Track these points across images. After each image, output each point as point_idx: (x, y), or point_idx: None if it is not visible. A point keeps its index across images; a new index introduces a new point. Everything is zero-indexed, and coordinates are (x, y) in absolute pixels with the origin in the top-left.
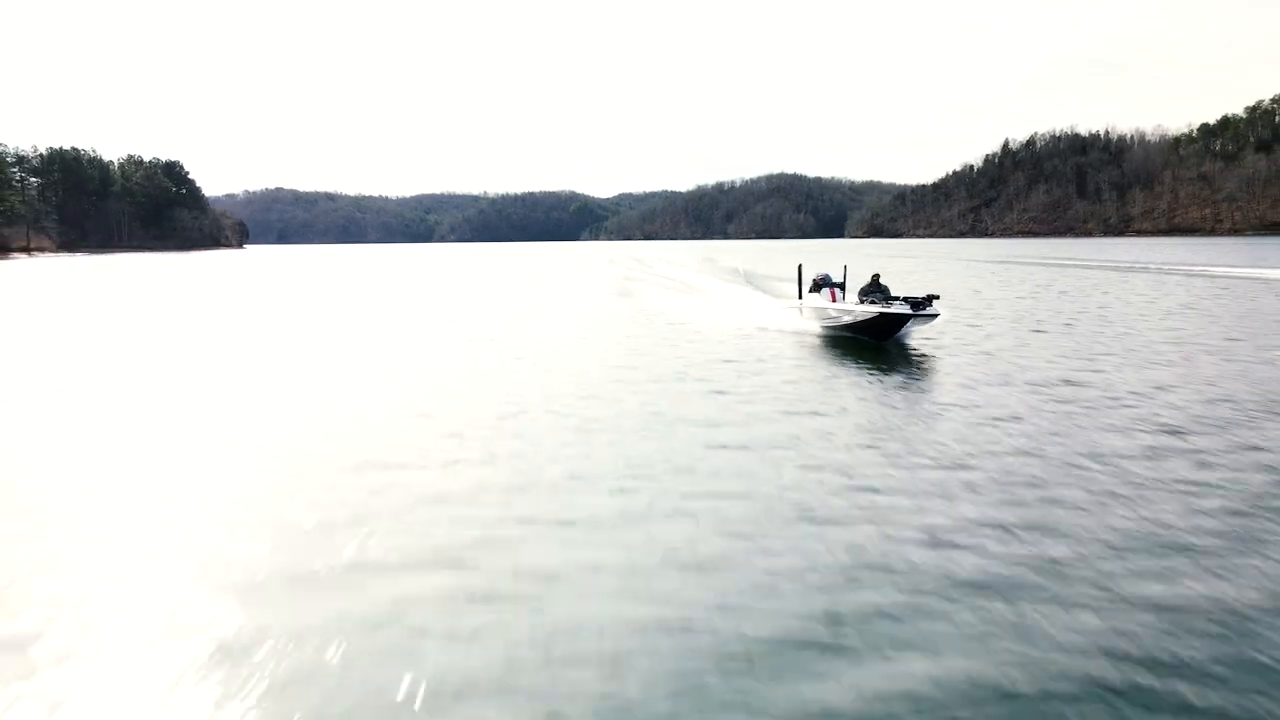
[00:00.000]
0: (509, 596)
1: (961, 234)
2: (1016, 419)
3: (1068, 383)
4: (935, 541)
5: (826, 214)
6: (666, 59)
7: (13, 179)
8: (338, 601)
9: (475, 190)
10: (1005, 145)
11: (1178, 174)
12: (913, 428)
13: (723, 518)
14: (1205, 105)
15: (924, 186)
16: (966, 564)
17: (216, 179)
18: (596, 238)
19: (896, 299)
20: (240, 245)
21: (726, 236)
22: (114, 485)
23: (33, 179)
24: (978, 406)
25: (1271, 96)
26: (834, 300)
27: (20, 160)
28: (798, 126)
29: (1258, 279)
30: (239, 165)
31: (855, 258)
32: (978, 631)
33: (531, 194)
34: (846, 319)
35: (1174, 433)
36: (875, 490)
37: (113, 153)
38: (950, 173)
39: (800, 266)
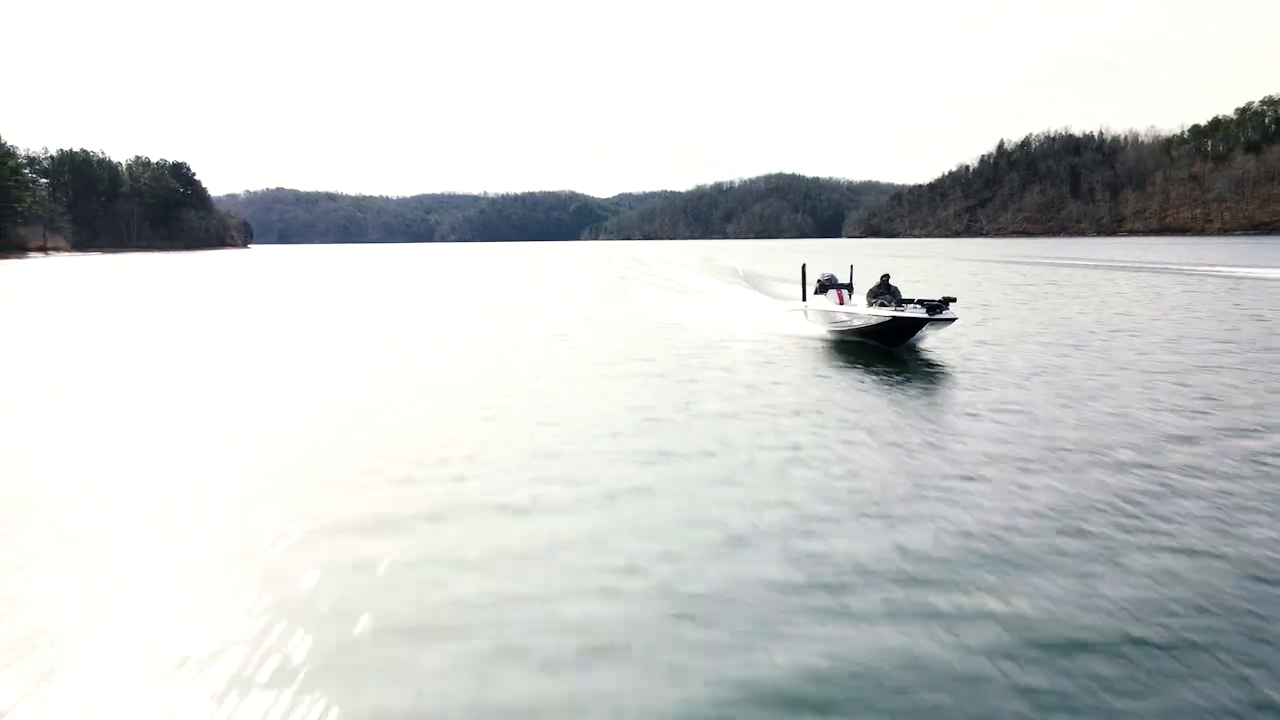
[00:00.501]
0: (509, 598)
1: (957, 234)
2: (1049, 433)
3: (1101, 390)
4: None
5: (824, 214)
6: (666, 59)
7: (28, 181)
8: (338, 601)
9: (475, 190)
10: (1000, 146)
11: (1169, 174)
12: (932, 444)
13: (717, 538)
14: (1205, 105)
15: (920, 187)
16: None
17: (218, 179)
18: (596, 237)
19: (910, 301)
20: (245, 245)
21: (725, 236)
22: (118, 480)
23: (43, 180)
24: (1003, 419)
25: (1261, 98)
26: (841, 303)
27: (31, 162)
28: (797, 127)
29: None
30: (240, 165)
31: (855, 258)
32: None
33: (531, 194)
34: (855, 323)
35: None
36: (891, 518)
37: (114, 153)
38: (946, 173)
39: (804, 267)
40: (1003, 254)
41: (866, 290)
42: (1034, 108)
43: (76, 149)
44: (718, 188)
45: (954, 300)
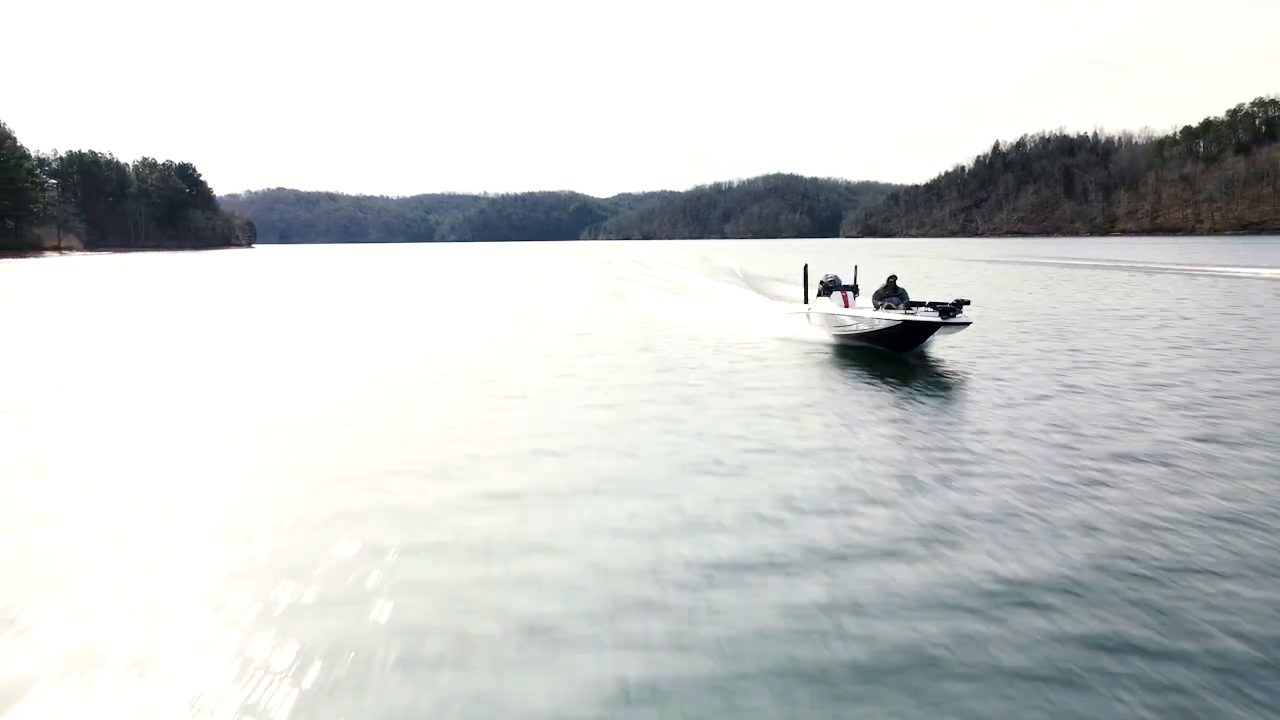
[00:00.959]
0: (510, 599)
1: (953, 234)
2: (1072, 445)
3: (1128, 396)
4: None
5: (822, 214)
6: (666, 60)
7: (42, 182)
8: (337, 600)
9: (475, 190)
10: (995, 147)
11: (1161, 175)
12: (944, 462)
13: (707, 560)
14: (1205, 105)
15: (917, 187)
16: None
17: (219, 179)
18: (596, 237)
19: (920, 304)
20: (249, 245)
21: (724, 236)
22: (116, 476)
23: (52, 181)
24: (1022, 436)
25: (1252, 100)
26: (846, 305)
27: (41, 163)
28: (797, 127)
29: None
30: (241, 166)
31: (853, 257)
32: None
33: (531, 194)
34: (862, 327)
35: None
36: (897, 550)
37: (117, 153)
38: (942, 174)
39: (806, 268)
40: (1002, 254)
41: (873, 292)
42: (1034, 108)
43: (85, 150)
44: (716, 188)
45: (967, 303)
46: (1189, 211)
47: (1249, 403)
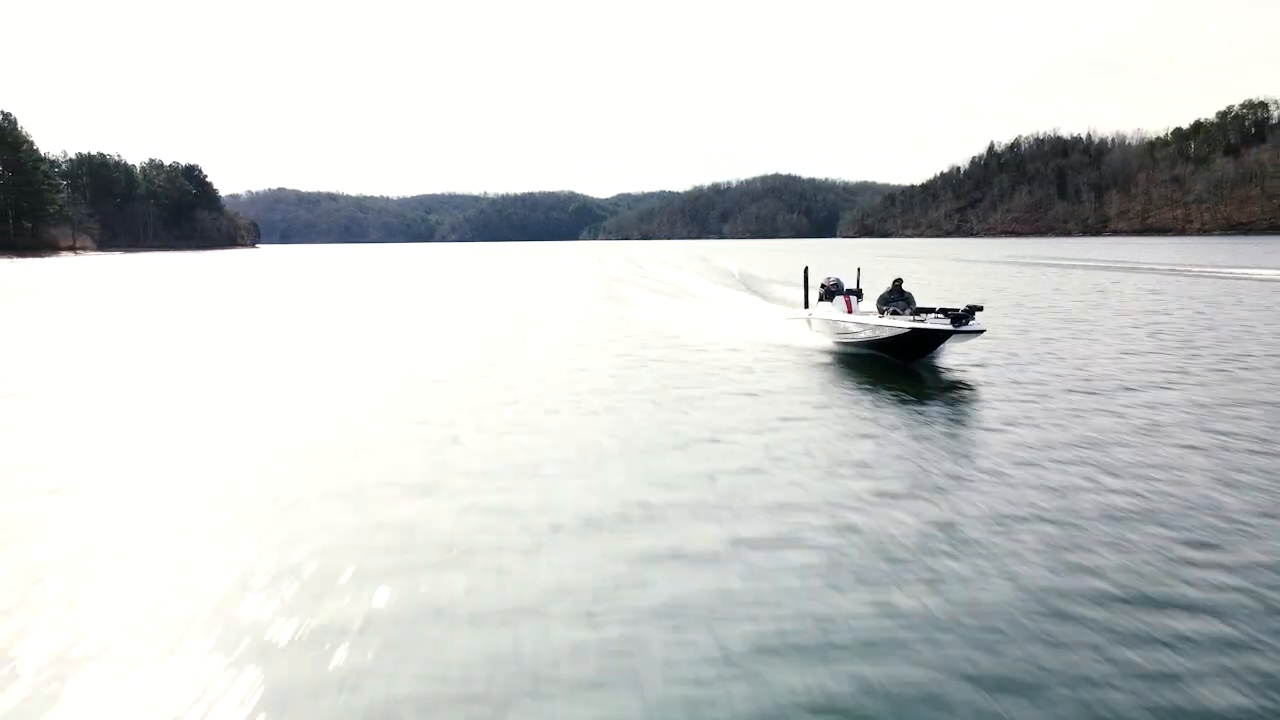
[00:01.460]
0: (510, 601)
1: (948, 234)
2: (1092, 462)
3: (1149, 405)
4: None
5: (820, 214)
6: (665, 60)
7: (58, 184)
8: (336, 600)
9: (475, 190)
10: (990, 147)
11: (1152, 176)
12: (958, 480)
13: (697, 587)
14: (1205, 105)
15: (913, 187)
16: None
17: (220, 179)
18: (595, 237)
19: (929, 311)
20: (253, 245)
21: (722, 236)
22: (122, 475)
23: (63, 182)
24: (1041, 452)
25: (1241, 102)
26: (849, 310)
27: (52, 164)
28: (796, 127)
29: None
30: (242, 166)
31: (850, 257)
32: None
33: (531, 194)
34: (867, 334)
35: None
36: (903, 576)
37: (119, 154)
38: (938, 174)
39: (806, 270)
40: (1001, 255)
41: (877, 297)
42: (1034, 108)
43: (94, 152)
44: (715, 188)
45: (980, 309)
46: (1179, 212)
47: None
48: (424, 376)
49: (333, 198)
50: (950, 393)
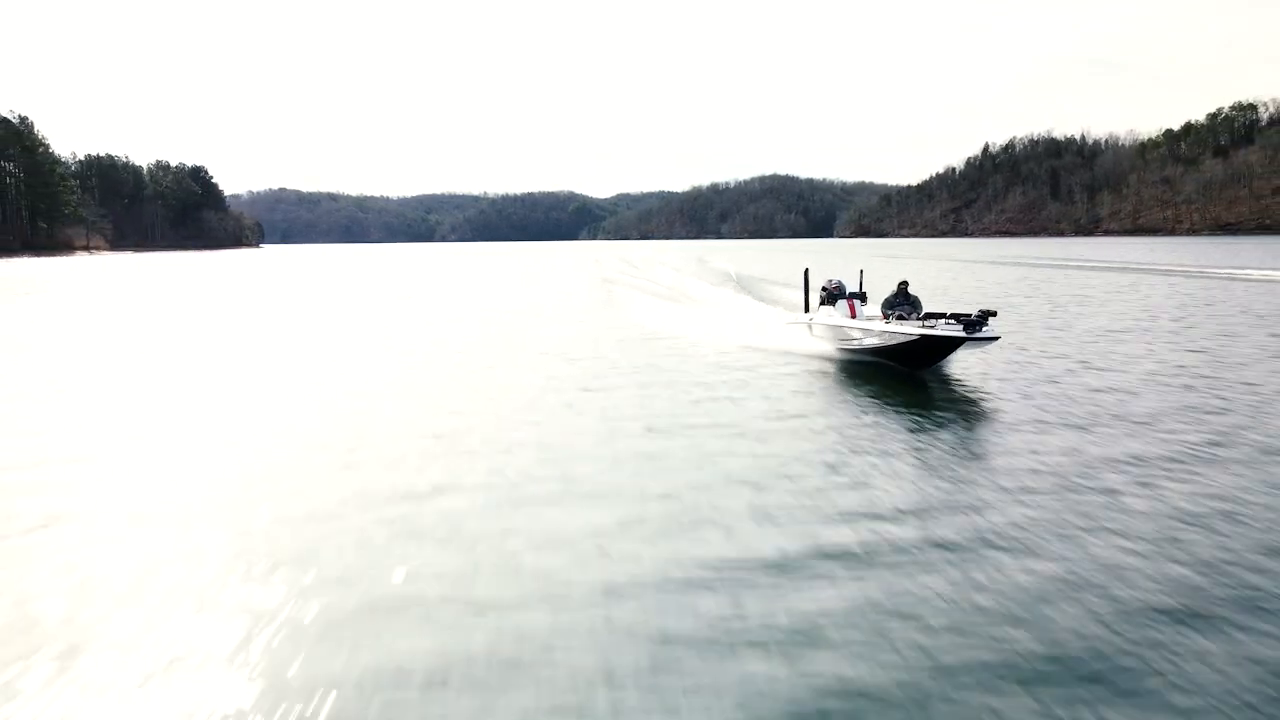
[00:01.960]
0: (511, 605)
1: (943, 234)
2: (1116, 479)
3: (1176, 417)
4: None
5: (817, 214)
6: (665, 61)
7: (72, 186)
8: (335, 600)
9: (476, 190)
10: (985, 149)
11: (1142, 177)
12: (972, 499)
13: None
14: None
15: (909, 188)
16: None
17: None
18: (595, 237)
19: (939, 316)
20: (258, 245)
21: (720, 236)
22: (122, 474)
23: (74, 183)
24: (1065, 466)
25: (1231, 104)
26: (853, 315)
27: (64, 166)
28: (796, 128)
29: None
30: (243, 166)
31: (847, 257)
32: None
33: (531, 194)
34: (872, 341)
35: None
36: (905, 598)
37: (127, 155)
38: (933, 175)
39: (807, 273)
40: (999, 255)
41: (881, 300)
42: (1033, 108)
43: (102, 154)
44: (713, 188)
45: (994, 314)
46: (1169, 213)
47: None
48: (419, 379)
49: (333, 198)
50: (961, 403)
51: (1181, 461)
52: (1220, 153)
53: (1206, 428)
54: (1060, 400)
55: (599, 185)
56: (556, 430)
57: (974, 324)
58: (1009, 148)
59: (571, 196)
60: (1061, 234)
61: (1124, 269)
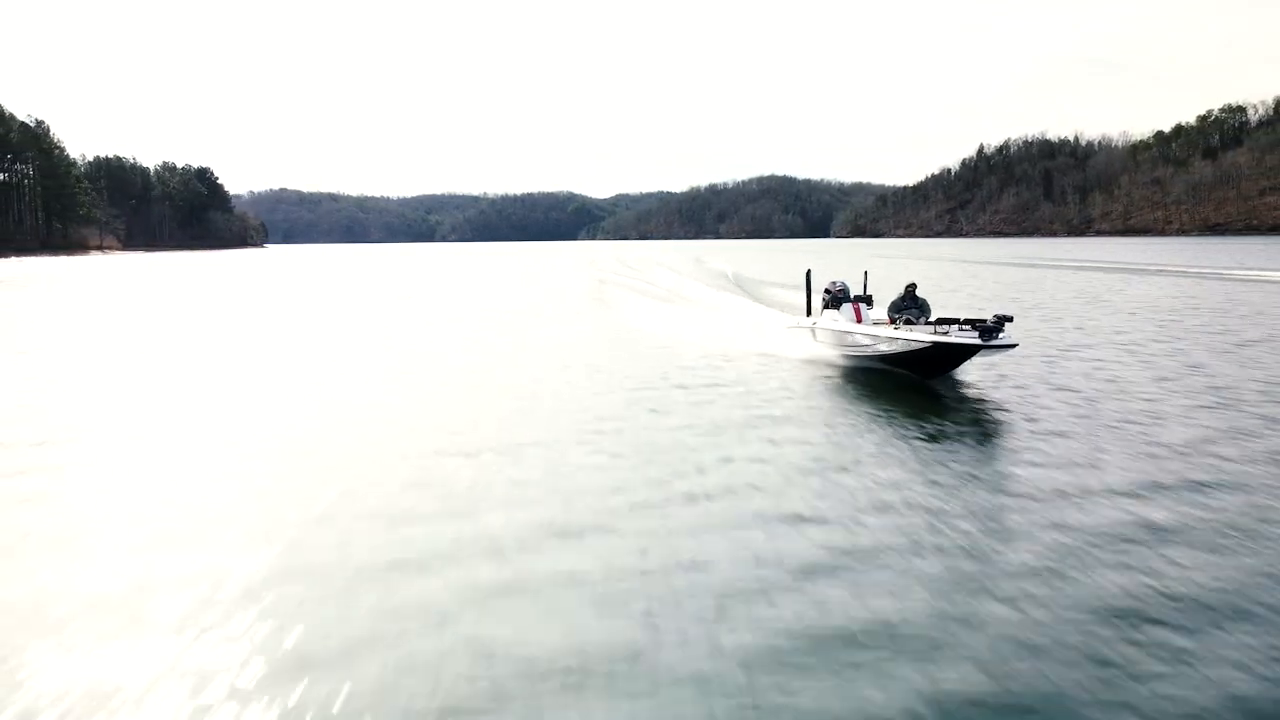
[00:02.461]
0: (507, 604)
1: (938, 234)
2: (1143, 498)
3: (1202, 429)
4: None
5: (815, 215)
6: (664, 62)
7: (86, 188)
8: (334, 601)
9: (475, 191)
10: (980, 150)
11: (1133, 178)
12: (989, 518)
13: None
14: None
15: (905, 188)
16: None
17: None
18: (594, 238)
19: (953, 321)
20: (262, 245)
21: (718, 236)
22: (121, 476)
23: (86, 184)
24: (1086, 478)
25: (1221, 106)
26: (859, 319)
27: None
28: (795, 128)
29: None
30: (244, 167)
31: (843, 258)
32: None
33: (530, 195)
34: (881, 347)
35: None
36: (912, 623)
37: (135, 157)
38: (929, 176)
39: (809, 274)
40: (991, 254)
41: (888, 304)
42: (1033, 108)
43: (111, 155)
44: (712, 189)
45: (1010, 319)
46: (1159, 213)
47: None
48: (418, 381)
49: (334, 198)
50: (977, 414)
51: (1213, 471)
52: (1210, 154)
53: (1231, 432)
54: (1080, 409)
55: (598, 186)
56: (547, 441)
57: (990, 330)
58: (1003, 149)
59: (571, 197)
60: (1054, 234)
61: (1126, 269)
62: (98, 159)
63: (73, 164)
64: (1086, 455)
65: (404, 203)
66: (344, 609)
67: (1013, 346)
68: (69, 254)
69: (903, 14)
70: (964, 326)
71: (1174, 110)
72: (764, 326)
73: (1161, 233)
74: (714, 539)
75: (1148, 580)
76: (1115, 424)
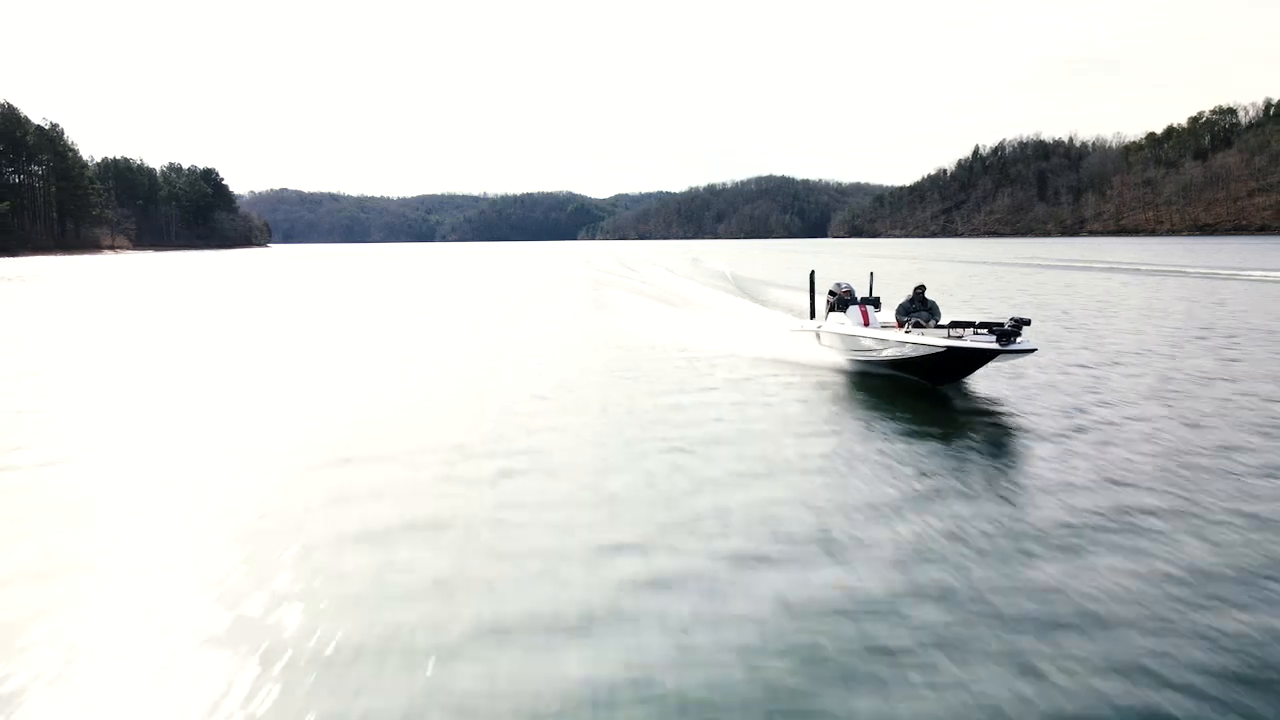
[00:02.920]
0: (506, 612)
1: (933, 234)
2: (1172, 516)
3: (1233, 441)
4: None
5: (812, 215)
6: (663, 63)
7: (99, 189)
8: (333, 599)
9: (475, 191)
10: (975, 151)
11: (1125, 179)
12: (1009, 536)
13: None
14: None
15: (901, 189)
16: None
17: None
18: (593, 237)
19: (968, 325)
20: (266, 244)
21: (717, 236)
22: (119, 477)
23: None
24: (1112, 495)
25: (1212, 108)
26: (866, 323)
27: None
28: (794, 129)
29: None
30: (245, 167)
31: (839, 257)
32: None
33: (530, 195)
34: (891, 353)
35: None
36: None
37: (142, 158)
38: (925, 176)
39: (813, 275)
40: (986, 255)
41: (897, 306)
42: (1032, 108)
43: (118, 157)
44: (710, 189)
45: (1028, 323)
46: (1150, 214)
47: None
48: (417, 383)
49: (334, 198)
50: (992, 422)
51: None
52: (1200, 155)
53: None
54: (1103, 416)
55: (597, 186)
56: (540, 452)
57: (1007, 335)
58: (999, 149)
59: (570, 197)
60: (1048, 234)
61: (1124, 270)
62: (106, 160)
63: (86, 165)
64: (1114, 470)
65: (404, 203)
66: (344, 608)
67: (1031, 351)
68: (83, 253)
69: (902, 14)
70: (979, 330)
71: (1172, 110)
72: (766, 329)
73: (1152, 233)
74: (711, 554)
75: (1183, 620)
76: (1143, 435)
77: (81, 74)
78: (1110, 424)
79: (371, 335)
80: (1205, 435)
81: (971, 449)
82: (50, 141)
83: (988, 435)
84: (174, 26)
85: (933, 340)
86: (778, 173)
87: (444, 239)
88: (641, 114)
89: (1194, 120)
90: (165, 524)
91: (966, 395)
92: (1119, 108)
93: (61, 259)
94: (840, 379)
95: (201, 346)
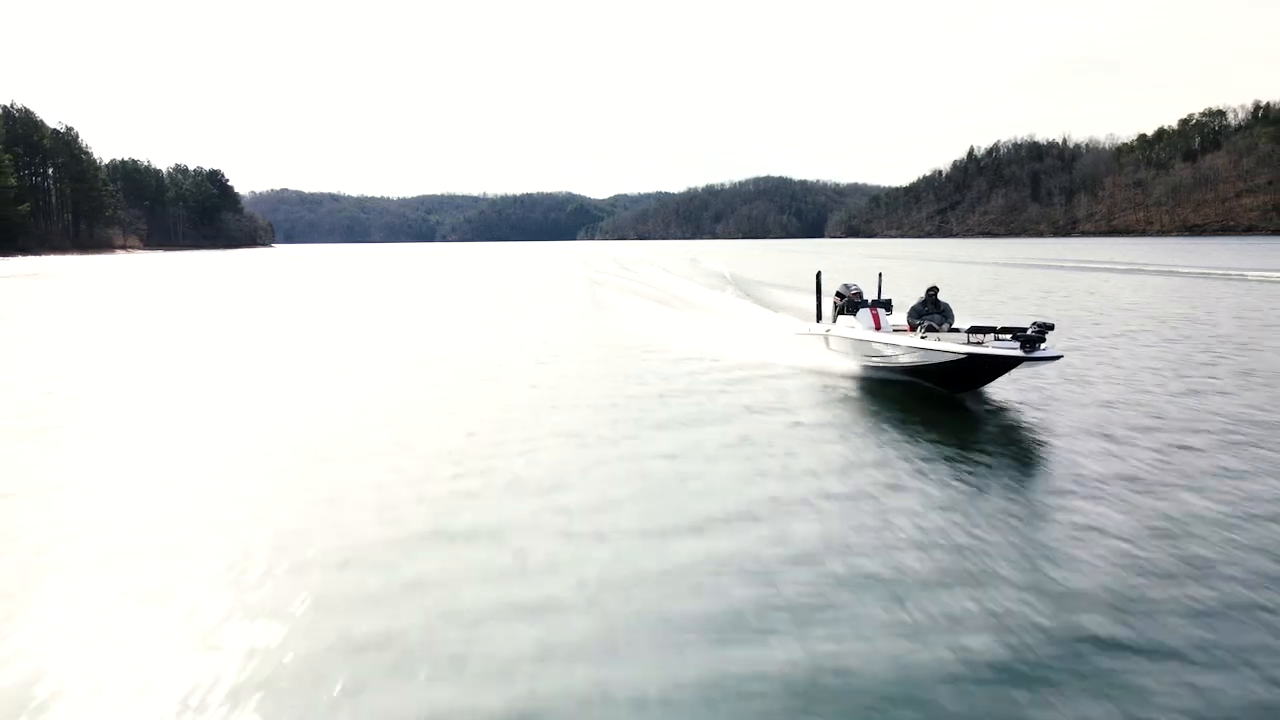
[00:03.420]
0: (505, 612)
1: (929, 234)
2: (1206, 535)
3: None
4: None
5: (810, 215)
6: (662, 63)
7: (112, 191)
8: (332, 600)
9: (475, 191)
10: (970, 152)
11: (1117, 180)
12: (1032, 554)
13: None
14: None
15: (897, 189)
16: None
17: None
18: (592, 237)
19: (989, 330)
20: (270, 244)
21: (715, 236)
22: (119, 479)
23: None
24: (1137, 511)
25: (1203, 110)
26: (878, 326)
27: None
28: (793, 129)
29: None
30: (245, 167)
31: (837, 257)
32: None
33: (530, 195)
34: (906, 357)
35: None
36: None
37: (149, 159)
38: (920, 177)
39: (819, 276)
40: (983, 255)
41: (909, 309)
42: (1031, 108)
43: (126, 158)
44: (709, 189)
45: (1051, 328)
46: (1141, 215)
47: None
48: (416, 384)
49: (335, 198)
50: (1013, 432)
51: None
52: (1190, 157)
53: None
54: (1132, 425)
55: (596, 186)
56: (539, 458)
57: (1031, 340)
58: (993, 151)
59: (570, 197)
60: (1041, 235)
61: (1126, 270)
62: (114, 161)
63: (99, 167)
64: (1145, 483)
65: (404, 203)
66: (343, 607)
67: (1057, 358)
68: (97, 252)
69: (901, 13)
70: (1001, 335)
71: (1173, 109)
72: (771, 333)
73: (1143, 233)
74: (717, 567)
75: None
76: (1176, 446)
77: (81, 74)
78: (1141, 429)
79: (372, 335)
80: (1239, 444)
81: (993, 461)
82: (66, 145)
83: (1010, 445)
84: (174, 26)
85: (952, 346)
86: (776, 173)
87: (444, 239)
88: (641, 114)
89: (1184, 122)
90: (165, 524)
91: (984, 402)
92: (1119, 108)
93: (78, 258)
94: (850, 385)
95: (210, 344)
